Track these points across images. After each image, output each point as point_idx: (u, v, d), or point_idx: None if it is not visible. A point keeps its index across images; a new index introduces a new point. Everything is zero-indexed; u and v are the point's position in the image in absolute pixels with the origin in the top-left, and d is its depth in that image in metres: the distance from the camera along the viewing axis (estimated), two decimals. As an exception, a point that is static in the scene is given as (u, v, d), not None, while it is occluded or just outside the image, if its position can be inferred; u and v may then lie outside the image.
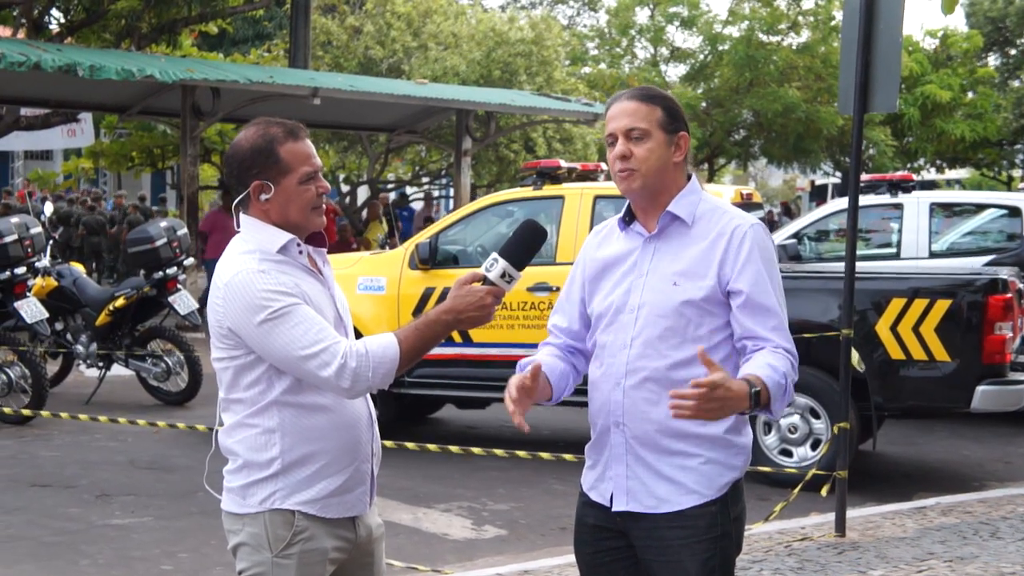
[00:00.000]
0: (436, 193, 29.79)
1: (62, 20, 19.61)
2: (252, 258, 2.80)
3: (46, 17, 19.10)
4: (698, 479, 2.79)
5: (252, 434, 2.82)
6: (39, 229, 10.08)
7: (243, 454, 2.83)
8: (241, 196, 2.86)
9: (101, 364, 10.23)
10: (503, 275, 2.77)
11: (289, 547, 2.81)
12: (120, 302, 10.05)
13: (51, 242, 10.80)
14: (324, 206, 2.90)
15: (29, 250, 9.78)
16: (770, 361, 2.72)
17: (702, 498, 2.78)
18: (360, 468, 2.89)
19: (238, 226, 2.90)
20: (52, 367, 10.37)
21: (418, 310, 8.19)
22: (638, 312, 2.82)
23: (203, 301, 9.75)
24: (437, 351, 8.40)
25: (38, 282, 10.06)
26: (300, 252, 2.86)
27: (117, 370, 10.42)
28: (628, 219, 2.92)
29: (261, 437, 2.81)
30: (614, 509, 2.85)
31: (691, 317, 2.78)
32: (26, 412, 8.68)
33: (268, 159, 2.81)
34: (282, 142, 2.82)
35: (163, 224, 10.52)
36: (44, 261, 10.15)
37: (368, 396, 2.91)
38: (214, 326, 2.83)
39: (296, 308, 2.73)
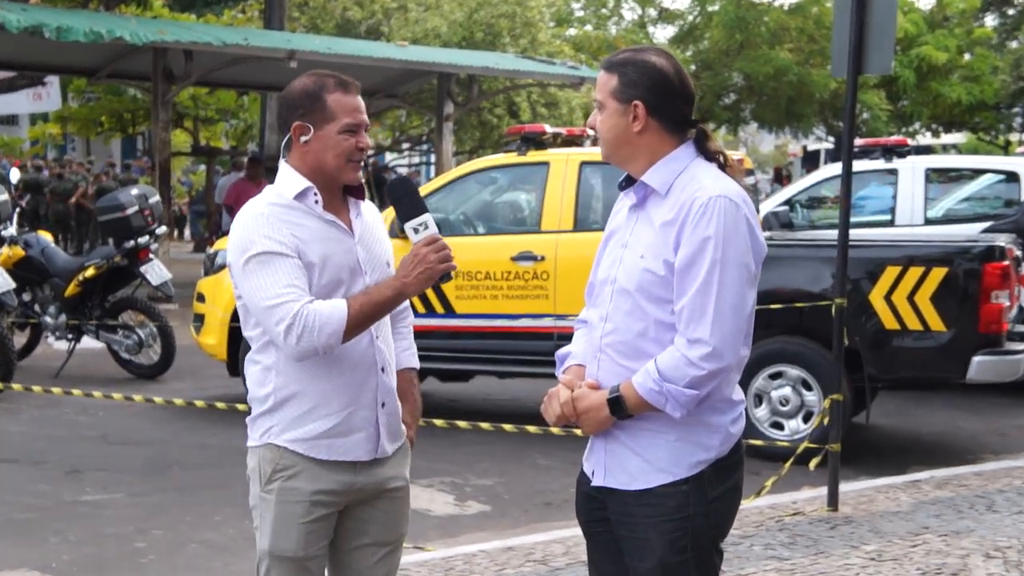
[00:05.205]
0: (417, 159, 29.59)
1: (30, -20, 19.21)
2: (264, 201, 2.94)
3: (13, -23, 18.72)
4: (668, 457, 2.74)
5: (256, 370, 2.98)
6: (5, 197, 9.89)
7: (250, 388, 3.02)
8: (286, 139, 2.97)
9: (71, 336, 10.08)
10: (416, 230, 2.91)
11: (270, 482, 2.95)
12: (90, 272, 9.92)
13: (18, 210, 10.59)
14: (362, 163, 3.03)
15: (-6, 218, 9.64)
16: (650, 367, 2.68)
17: (672, 476, 2.74)
18: (357, 414, 2.95)
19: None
20: (19, 339, 10.17)
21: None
22: (612, 286, 2.80)
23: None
24: (419, 322, 8.25)
25: (4, 251, 9.90)
26: (316, 202, 2.93)
27: (87, 342, 10.27)
28: (623, 186, 2.87)
29: (261, 373, 2.97)
30: (592, 484, 2.87)
31: (653, 291, 2.72)
32: (-6, 385, 8.50)
33: (315, 103, 2.92)
34: (331, 91, 2.94)
35: (134, 191, 10.39)
36: (11, 230, 10.03)
37: (379, 345, 2.99)
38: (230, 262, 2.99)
39: (277, 258, 2.83)
